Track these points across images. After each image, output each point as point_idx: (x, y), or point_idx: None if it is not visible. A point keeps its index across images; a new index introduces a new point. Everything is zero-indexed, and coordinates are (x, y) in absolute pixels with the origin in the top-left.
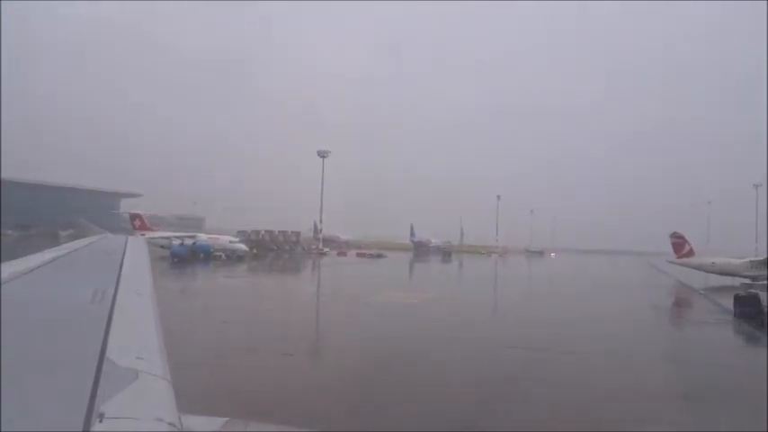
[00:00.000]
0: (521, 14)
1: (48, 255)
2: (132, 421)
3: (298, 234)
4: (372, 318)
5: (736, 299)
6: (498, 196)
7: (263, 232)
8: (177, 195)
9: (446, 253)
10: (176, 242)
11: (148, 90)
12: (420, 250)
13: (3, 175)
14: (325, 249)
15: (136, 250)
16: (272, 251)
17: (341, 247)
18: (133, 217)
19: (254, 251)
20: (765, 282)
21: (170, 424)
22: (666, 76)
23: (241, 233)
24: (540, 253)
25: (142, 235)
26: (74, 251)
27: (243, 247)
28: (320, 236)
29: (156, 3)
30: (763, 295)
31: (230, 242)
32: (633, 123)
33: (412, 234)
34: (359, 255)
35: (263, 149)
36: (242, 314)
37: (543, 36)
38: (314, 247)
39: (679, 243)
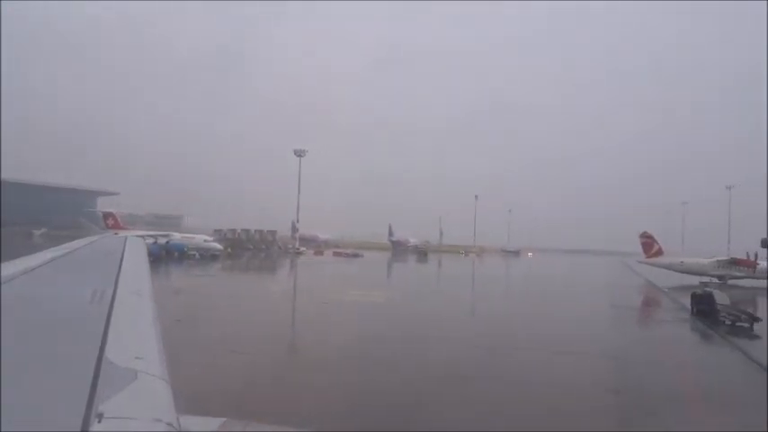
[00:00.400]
0: (491, 14)
1: (47, 255)
2: (131, 421)
3: (274, 233)
4: (321, 316)
5: (693, 297)
6: (476, 196)
7: (239, 231)
8: (157, 194)
9: (421, 253)
10: (149, 241)
11: (132, 87)
12: (398, 250)
13: None
14: (302, 248)
15: (134, 250)
16: (248, 250)
17: (319, 247)
18: (105, 215)
19: (229, 250)
20: (721, 281)
21: (168, 424)
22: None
23: (217, 232)
24: (516, 253)
25: (115, 234)
26: (73, 251)
27: (217, 246)
28: (297, 235)
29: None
30: (718, 293)
31: (204, 241)
32: (614, 124)
33: (390, 234)
34: (335, 254)
35: (247, 148)
36: (198, 312)
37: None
38: (290, 246)
39: (648, 243)
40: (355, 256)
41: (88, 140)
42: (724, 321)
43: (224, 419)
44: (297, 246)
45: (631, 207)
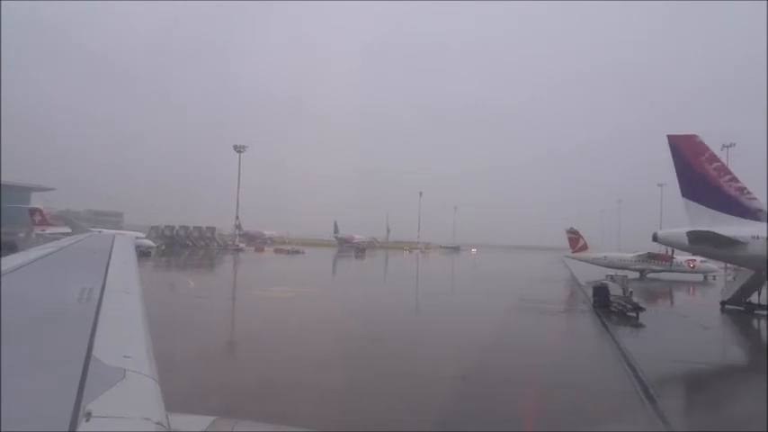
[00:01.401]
0: (440, 15)
1: (34, 253)
2: (119, 420)
3: (213, 230)
4: (229, 311)
5: (593, 290)
6: (420, 193)
7: (177, 228)
8: (97, 190)
9: (359, 249)
10: None
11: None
12: (344, 246)
13: None
14: (242, 245)
15: (123, 248)
16: (186, 247)
17: (264, 243)
18: (32, 211)
19: (163, 247)
20: (642, 274)
21: (158, 423)
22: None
23: (154, 229)
24: (456, 249)
25: (42, 231)
26: (60, 249)
27: (149, 243)
28: (237, 232)
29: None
30: (612, 286)
31: (137, 238)
32: (561, 126)
33: (336, 231)
34: (276, 251)
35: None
36: None
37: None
38: (230, 242)
39: (574, 238)
40: (296, 252)
41: (24, 136)
42: (615, 311)
43: (214, 418)
44: (237, 242)
45: (575, 205)
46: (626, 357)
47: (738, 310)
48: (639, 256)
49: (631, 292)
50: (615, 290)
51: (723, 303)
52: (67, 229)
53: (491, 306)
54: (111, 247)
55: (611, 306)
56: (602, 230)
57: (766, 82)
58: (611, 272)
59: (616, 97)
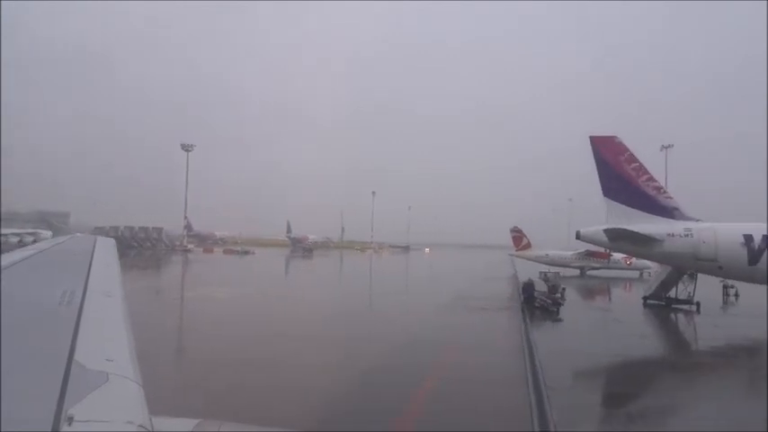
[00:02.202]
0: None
1: (14, 256)
2: (102, 424)
3: (160, 230)
4: (155, 312)
5: (522, 287)
6: (373, 192)
7: (122, 228)
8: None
9: (306, 249)
10: (14, 240)
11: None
12: (297, 247)
13: None
14: (190, 246)
15: (105, 251)
16: (132, 248)
17: (216, 244)
18: None
19: None
20: (582, 271)
21: (141, 426)
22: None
23: (98, 229)
24: (406, 249)
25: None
26: (41, 252)
27: None
28: (185, 233)
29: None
30: (538, 282)
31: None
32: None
33: (288, 230)
34: (226, 252)
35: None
36: None
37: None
38: (178, 243)
39: (518, 237)
40: (246, 253)
41: None
42: (537, 306)
43: (198, 420)
44: (185, 243)
45: (529, 205)
46: (526, 349)
47: (660, 304)
48: (579, 254)
49: (564, 288)
50: (545, 287)
51: (645, 299)
52: (3, 230)
53: (419, 304)
54: (93, 249)
55: (534, 302)
56: (560, 228)
57: (766, 82)
58: (556, 269)
59: (616, 98)
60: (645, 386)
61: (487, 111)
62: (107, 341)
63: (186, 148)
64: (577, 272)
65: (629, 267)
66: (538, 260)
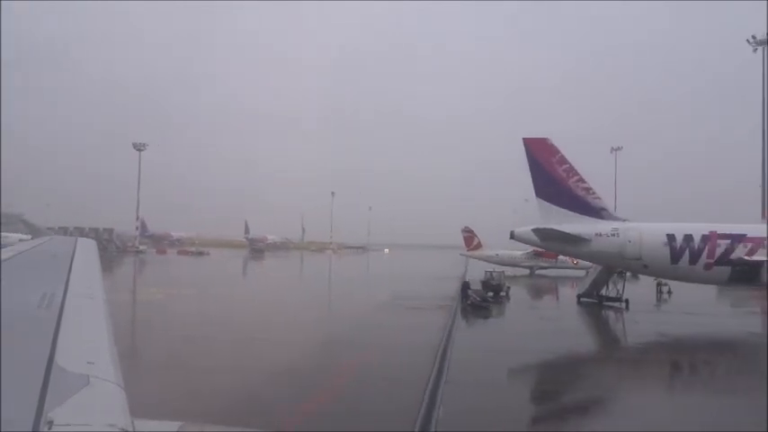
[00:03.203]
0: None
1: None
2: (83, 427)
3: (110, 231)
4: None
5: (461, 285)
6: (332, 193)
7: (71, 229)
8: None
9: (257, 250)
10: None
11: None
12: (255, 247)
13: None
14: (143, 247)
15: (86, 252)
16: None
17: (172, 245)
18: None
19: None
20: (531, 270)
21: (122, 429)
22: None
23: (50, 230)
24: (362, 249)
25: None
26: (20, 253)
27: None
28: (137, 233)
29: None
30: (473, 282)
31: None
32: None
33: (246, 231)
34: (180, 252)
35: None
36: None
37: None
38: (130, 244)
39: (469, 237)
40: (200, 254)
41: None
42: (469, 304)
43: (181, 423)
44: (136, 244)
45: (487, 206)
46: (444, 346)
47: (592, 302)
48: (528, 254)
49: (509, 287)
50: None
51: (579, 297)
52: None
53: (355, 305)
54: (74, 251)
55: (468, 300)
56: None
57: (766, 82)
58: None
59: (615, 97)
60: (542, 381)
61: (458, 112)
62: (88, 343)
63: (138, 147)
64: (527, 271)
65: (576, 267)
66: (488, 260)
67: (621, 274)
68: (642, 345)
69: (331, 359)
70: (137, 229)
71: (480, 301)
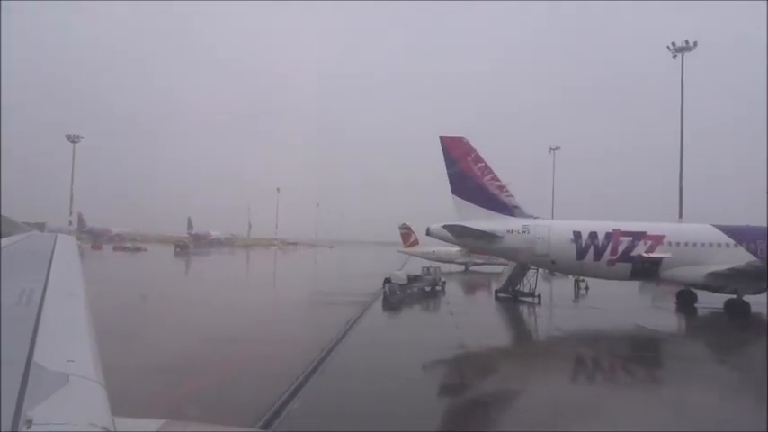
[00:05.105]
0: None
1: None
2: (63, 426)
3: (42, 226)
4: None
5: (384, 281)
6: (278, 189)
7: None
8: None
9: (181, 246)
10: None
11: None
12: (199, 243)
13: None
14: (77, 243)
15: (66, 249)
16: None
17: (111, 241)
18: None
19: None
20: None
21: (103, 427)
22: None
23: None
24: (295, 245)
25: None
26: None
27: None
28: (71, 228)
29: None
30: (396, 276)
31: None
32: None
33: (189, 227)
34: (116, 248)
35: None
36: None
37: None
38: None
39: (406, 234)
40: (137, 250)
41: None
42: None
43: (163, 421)
44: None
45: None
46: (336, 342)
47: (508, 297)
48: (463, 250)
49: (444, 282)
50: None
51: (496, 292)
52: None
53: (272, 301)
54: (53, 247)
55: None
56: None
57: (766, 82)
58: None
59: (615, 97)
60: (407, 371)
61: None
62: (68, 341)
63: (72, 139)
64: (463, 267)
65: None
66: (425, 256)
67: (535, 270)
68: (533, 338)
69: (203, 357)
70: (70, 223)
71: (400, 294)
